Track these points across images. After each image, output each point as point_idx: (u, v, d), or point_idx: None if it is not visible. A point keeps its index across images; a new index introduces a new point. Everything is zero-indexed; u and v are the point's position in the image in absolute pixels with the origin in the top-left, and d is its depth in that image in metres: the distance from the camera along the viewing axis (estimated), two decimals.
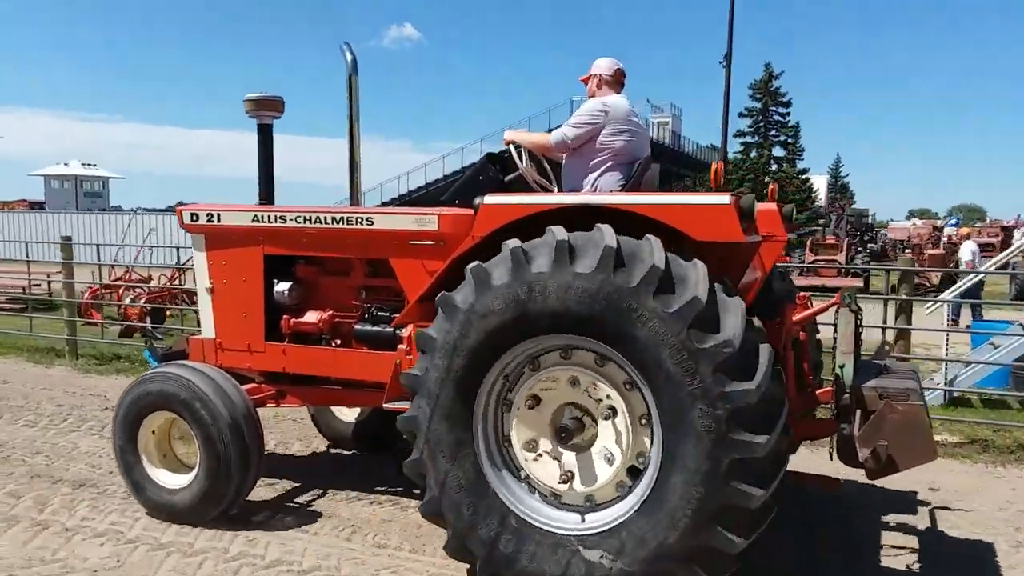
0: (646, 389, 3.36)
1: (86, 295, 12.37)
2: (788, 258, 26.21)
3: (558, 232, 3.42)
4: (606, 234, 3.35)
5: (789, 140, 44.90)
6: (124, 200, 56.87)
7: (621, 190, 4.39)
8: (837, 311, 4.16)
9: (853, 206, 32.27)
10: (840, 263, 23.05)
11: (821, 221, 34.58)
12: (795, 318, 4.34)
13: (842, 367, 3.98)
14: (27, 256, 12.27)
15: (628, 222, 3.46)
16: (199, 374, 4.50)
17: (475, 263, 3.59)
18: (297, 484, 5.34)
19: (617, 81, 4.72)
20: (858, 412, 3.84)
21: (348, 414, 6.14)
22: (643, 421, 3.48)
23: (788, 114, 45.56)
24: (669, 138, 51.37)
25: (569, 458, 3.64)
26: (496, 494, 3.65)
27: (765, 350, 3.27)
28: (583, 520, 3.60)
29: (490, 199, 3.86)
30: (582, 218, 3.53)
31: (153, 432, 4.62)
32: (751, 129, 45.41)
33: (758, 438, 3.15)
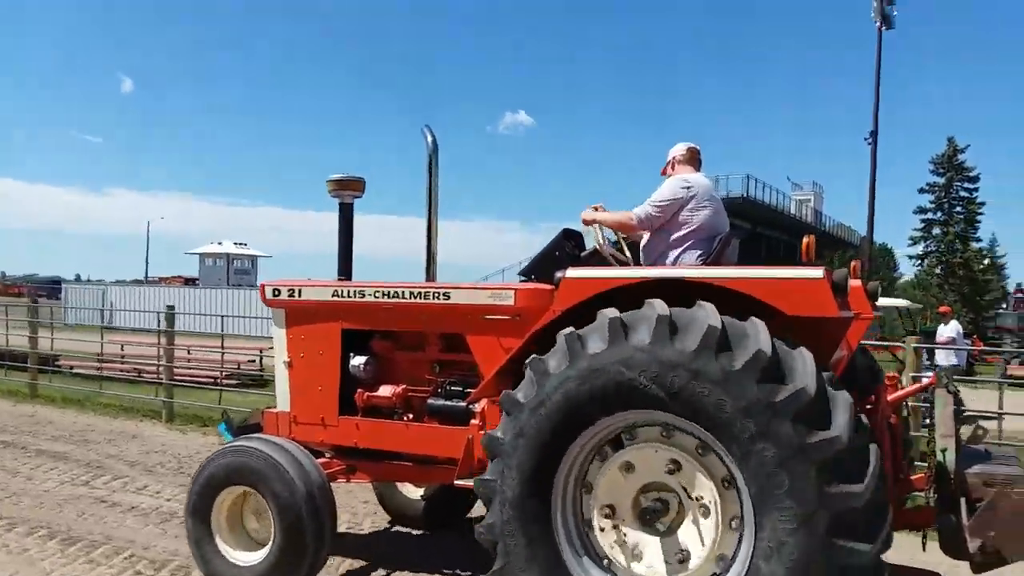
0: (738, 475, 3.19)
1: None
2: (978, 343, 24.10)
3: (659, 306, 3.33)
4: (710, 313, 3.25)
5: (977, 217, 42.38)
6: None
7: (702, 265, 4.33)
8: (933, 392, 3.96)
9: None
10: None
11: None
12: (889, 398, 4.15)
13: (943, 451, 3.76)
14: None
15: (715, 297, 3.38)
16: (277, 448, 4.48)
17: (569, 329, 3.52)
18: (364, 563, 5.22)
19: (693, 159, 4.75)
20: (963, 501, 3.61)
21: (414, 490, 6.05)
22: (733, 524, 3.31)
23: (976, 190, 43.37)
24: (811, 216, 49.84)
25: (646, 539, 3.48)
26: None
27: (874, 451, 3.10)
28: None
29: (572, 272, 3.84)
30: (665, 293, 3.46)
31: (226, 507, 4.58)
32: (933, 205, 43.38)
33: (861, 546, 2.95)
